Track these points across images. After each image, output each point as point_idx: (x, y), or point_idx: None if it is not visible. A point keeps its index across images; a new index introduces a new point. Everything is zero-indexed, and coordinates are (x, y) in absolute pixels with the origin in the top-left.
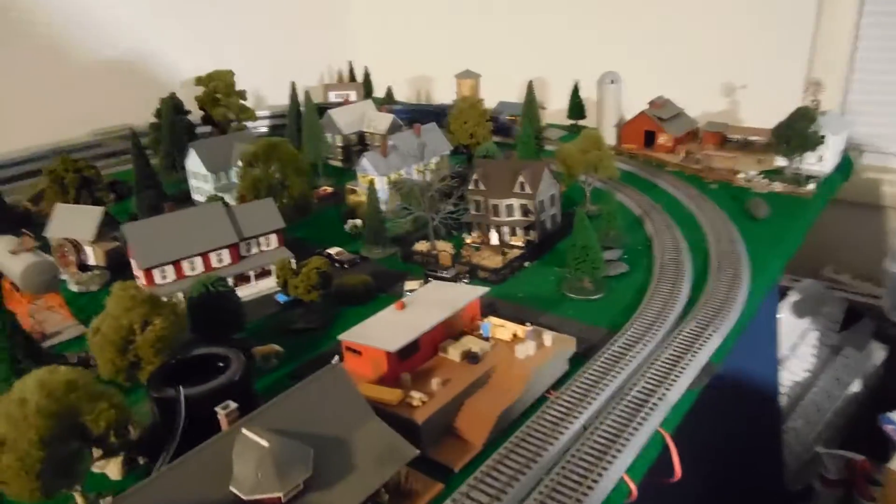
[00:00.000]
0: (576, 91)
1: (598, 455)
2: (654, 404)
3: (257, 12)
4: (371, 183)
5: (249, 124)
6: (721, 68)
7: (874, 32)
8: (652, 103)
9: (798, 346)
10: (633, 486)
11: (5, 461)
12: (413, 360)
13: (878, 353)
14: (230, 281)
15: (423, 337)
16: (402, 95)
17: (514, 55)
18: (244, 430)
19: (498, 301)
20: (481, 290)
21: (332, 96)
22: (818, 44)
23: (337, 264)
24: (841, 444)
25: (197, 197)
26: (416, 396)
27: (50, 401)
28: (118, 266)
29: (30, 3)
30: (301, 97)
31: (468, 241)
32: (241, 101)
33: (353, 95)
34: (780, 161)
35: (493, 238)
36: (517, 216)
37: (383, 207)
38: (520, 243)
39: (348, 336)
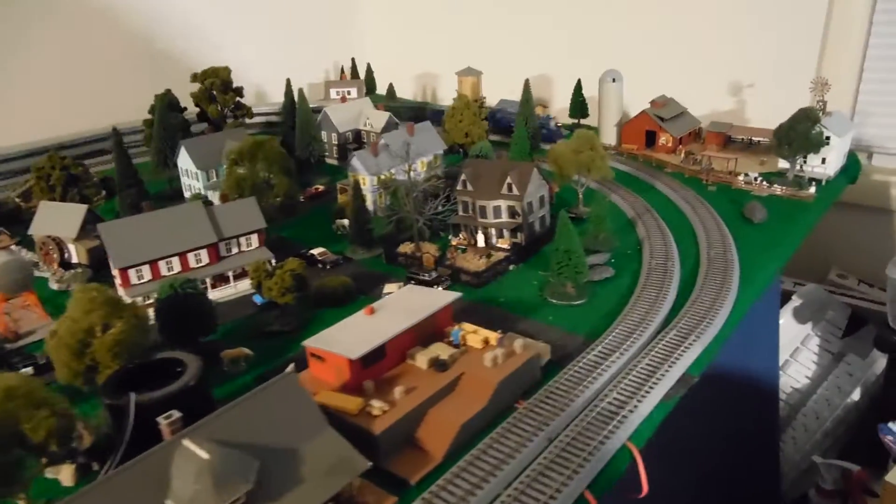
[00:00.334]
0: (578, 89)
1: (560, 470)
2: (624, 417)
3: (266, 10)
4: (356, 182)
5: (247, 121)
6: (728, 66)
7: (887, 30)
8: (653, 102)
9: (800, 352)
10: (593, 502)
11: None
12: (378, 367)
13: (881, 360)
14: (208, 281)
15: (389, 343)
16: (407, 93)
17: (518, 52)
18: (185, 442)
19: (477, 305)
20: (454, 295)
21: (333, 93)
22: (828, 41)
23: (319, 265)
24: (839, 454)
25: (189, 195)
26: (377, 406)
27: None
28: (101, 264)
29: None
30: (301, 94)
31: (454, 242)
32: (238, 98)
33: (353, 92)
34: (783, 163)
35: (480, 240)
36: (504, 218)
37: (371, 207)
38: (506, 246)
39: (313, 342)
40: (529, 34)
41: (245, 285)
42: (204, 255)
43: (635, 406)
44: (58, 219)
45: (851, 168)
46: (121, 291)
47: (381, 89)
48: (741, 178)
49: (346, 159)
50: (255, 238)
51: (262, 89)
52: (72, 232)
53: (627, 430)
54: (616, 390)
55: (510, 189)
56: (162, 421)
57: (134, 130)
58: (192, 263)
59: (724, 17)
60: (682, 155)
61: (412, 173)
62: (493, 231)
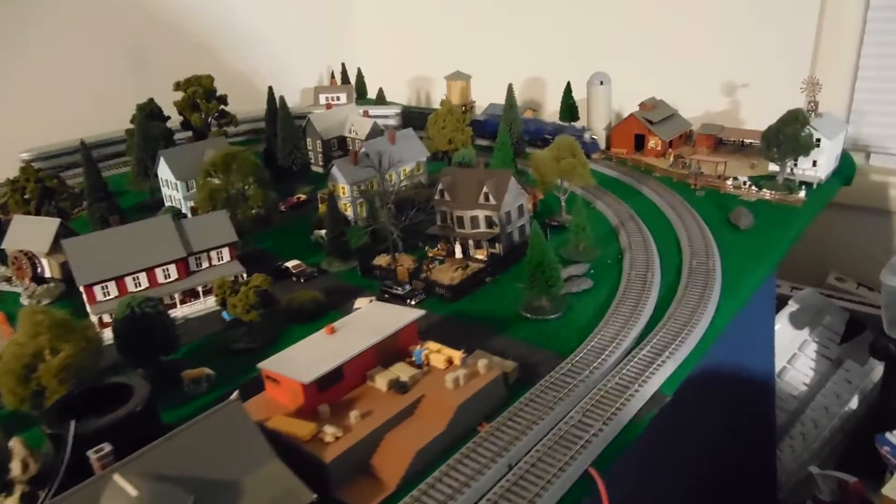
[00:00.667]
0: (568, 92)
1: (516, 500)
2: (589, 441)
3: (258, 15)
4: (331, 192)
5: (232, 130)
6: (720, 67)
7: (883, 27)
8: (642, 105)
9: (797, 358)
10: None
11: None
12: (336, 389)
13: (880, 368)
14: (177, 297)
15: (348, 364)
16: (399, 97)
17: (509, 55)
18: (116, 477)
19: (450, 320)
20: (418, 313)
21: (322, 99)
22: (822, 39)
23: (294, 278)
24: (837, 463)
25: (170, 205)
26: (330, 431)
27: None
28: (74, 279)
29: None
30: (283, 101)
31: (431, 253)
32: (222, 107)
33: (343, 97)
34: (774, 166)
35: (458, 251)
36: (482, 228)
37: (352, 218)
38: (482, 257)
39: (268, 364)
40: (521, 37)
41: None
42: (172, 271)
43: (600, 430)
44: (30, 233)
45: (845, 169)
46: (88, 308)
47: (374, 93)
48: (730, 182)
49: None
50: (226, 252)
51: (255, 96)
52: (44, 246)
53: (591, 454)
54: (582, 412)
55: (487, 198)
56: (92, 455)
57: (121, 140)
58: (161, 279)
59: (716, 17)
60: (671, 159)
61: (392, 182)
62: (471, 241)
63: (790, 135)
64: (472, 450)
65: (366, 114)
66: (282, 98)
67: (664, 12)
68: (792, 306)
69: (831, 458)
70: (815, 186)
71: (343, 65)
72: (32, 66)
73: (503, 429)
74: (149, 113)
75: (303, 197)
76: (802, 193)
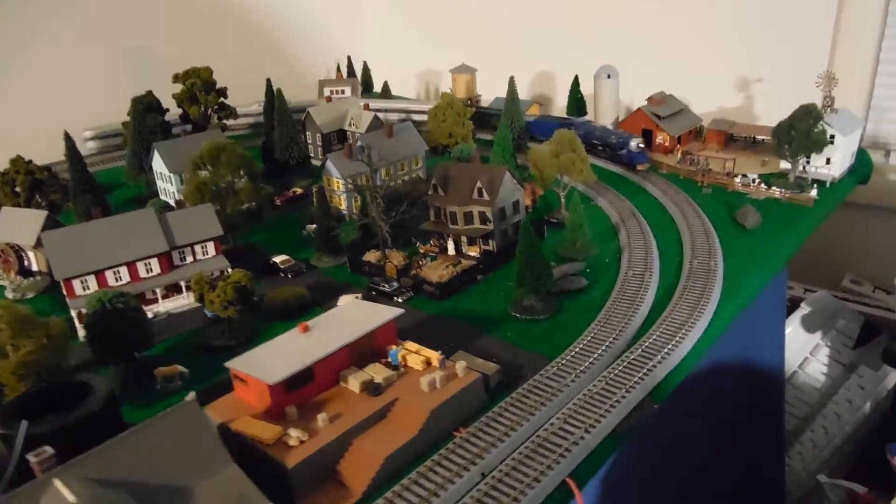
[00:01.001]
0: (575, 85)
1: None
2: (568, 450)
3: (268, 9)
4: (320, 186)
5: (231, 123)
6: (734, 61)
7: None
8: (650, 99)
9: (808, 363)
10: None
11: None
12: (305, 390)
13: (894, 374)
14: (158, 292)
15: (319, 365)
16: (407, 91)
17: (517, 48)
18: (55, 482)
19: (437, 319)
20: (395, 311)
21: (327, 92)
22: (840, 31)
23: (282, 273)
24: (847, 473)
25: (164, 199)
26: (294, 435)
27: None
28: None
29: None
30: (280, 93)
31: (423, 250)
32: (222, 99)
33: (347, 91)
34: (786, 164)
35: (450, 248)
36: (476, 224)
37: (346, 213)
38: (475, 254)
39: (236, 363)
40: (528, 30)
41: None
42: (155, 265)
43: (581, 438)
44: (18, 225)
45: (861, 168)
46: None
47: (380, 87)
48: (738, 179)
49: None
50: (211, 246)
51: (259, 89)
52: (30, 239)
53: (570, 464)
54: (564, 419)
55: (480, 194)
56: (31, 458)
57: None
58: (143, 273)
59: (730, 8)
60: (678, 155)
61: (387, 176)
62: (464, 238)
63: (802, 131)
64: (445, 456)
65: (366, 107)
66: (279, 90)
67: (675, 3)
68: (804, 309)
69: (841, 467)
70: (828, 185)
71: (349, 58)
72: (45, 56)
73: (479, 434)
74: (147, 105)
75: (299, 191)
76: (814, 192)
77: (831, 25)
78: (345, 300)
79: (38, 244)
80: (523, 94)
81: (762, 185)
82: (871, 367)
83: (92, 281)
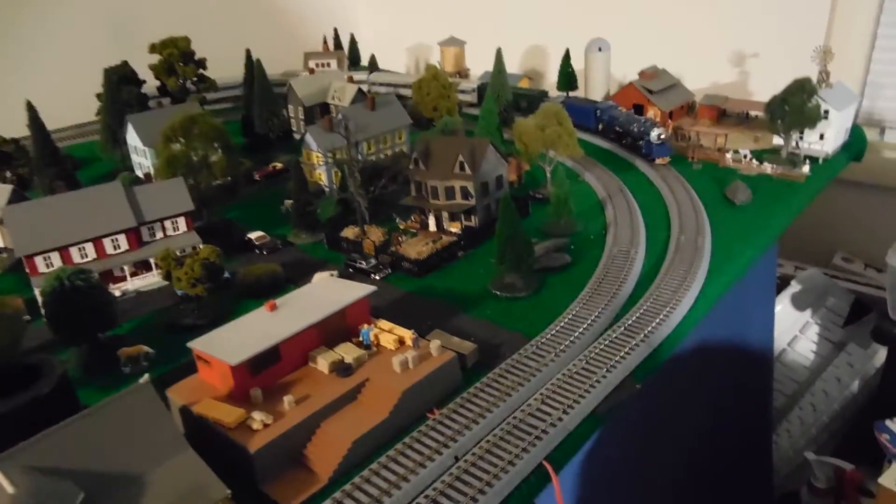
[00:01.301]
0: (566, 60)
1: (457, 497)
2: (545, 432)
3: None
4: (296, 161)
5: (213, 96)
6: (729, 36)
7: None
8: (642, 73)
9: (797, 340)
10: None
11: None
12: (272, 371)
13: (883, 352)
14: (126, 269)
15: (287, 344)
16: (396, 65)
17: (509, 20)
18: None
19: (414, 297)
20: (367, 289)
21: (313, 65)
22: (838, 5)
23: (257, 250)
24: (834, 450)
25: (139, 173)
26: (258, 418)
27: None
28: None
29: None
30: (259, 65)
31: (403, 226)
32: (201, 70)
33: (333, 64)
34: (778, 139)
35: (431, 223)
36: (458, 199)
37: (326, 188)
38: (456, 230)
39: (198, 343)
40: (519, 1)
41: None
42: (122, 241)
43: (559, 419)
44: None
45: (856, 144)
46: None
47: (367, 61)
48: (730, 155)
49: None
50: (182, 221)
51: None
52: None
53: (547, 447)
54: (541, 400)
55: (462, 168)
56: None
57: None
58: (109, 250)
59: None
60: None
61: (369, 151)
62: (445, 213)
63: (796, 105)
64: (417, 439)
65: (350, 79)
66: (258, 61)
67: None
68: (794, 287)
69: (829, 445)
70: (820, 161)
71: (335, 30)
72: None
73: (453, 416)
74: (121, 76)
75: (279, 166)
76: (806, 168)
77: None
78: (320, 277)
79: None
80: (514, 67)
81: (754, 160)
82: (861, 346)
83: (56, 258)
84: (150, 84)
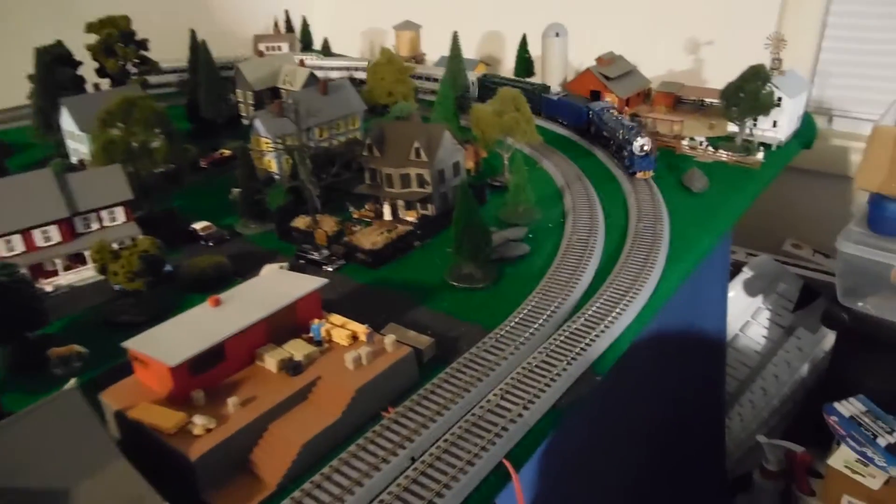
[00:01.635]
0: (523, 45)
1: (415, 499)
2: (505, 428)
3: None
4: (243, 147)
5: (158, 80)
6: (684, 23)
7: None
8: (599, 59)
9: (749, 326)
10: None
11: None
12: (215, 371)
13: (831, 336)
14: (58, 262)
15: (232, 342)
16: (349, 49)
17: (464, 5)
18: None
19: (369, 289)
20: (319, 282)
21: (263, 48)
22: None
23: (202, 242)
24: (785, 433)
25: (75, 160)
26: (200, 423)
27: None
28: None
29: None
30: (204, 46)
31: (356, 215)
32: (142, 52)
33: (285, 47)
34: (733, 127)
35: (387, 213)
36: (414, 187)
37: (277, 176)
38: (412, 219)
39: (134, 343)
40: None
41: None
42: (54, 233)
43: (519, 415)
44: None
45: (806, 131)
46: None
47: (321, 45)
48: (685, 142)
49: None
50: (120, 212)
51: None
52: None
53: (507, 444)
54: (501, 395)
55: (418, 154)
56: None
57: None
58: (40, 242)
59: None
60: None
61: (323, 137)
62: (401, 202)
63: (751, 92)
64: (371, 440)
65: (302, 63)
66: (203, 41)
67: None
68: (746, 273)
69: (779, 427)
70: (774, 148)
71: (287, 13)
72: None
73: (409, 415)
74: (55, 57)
75: (227, 153)
76: (761, 155)
77: None
78: (269, 270)
79: None
80: (470, 53)
81: (709, 147)
82: (810, 330)
83: None
84: (88, 66)
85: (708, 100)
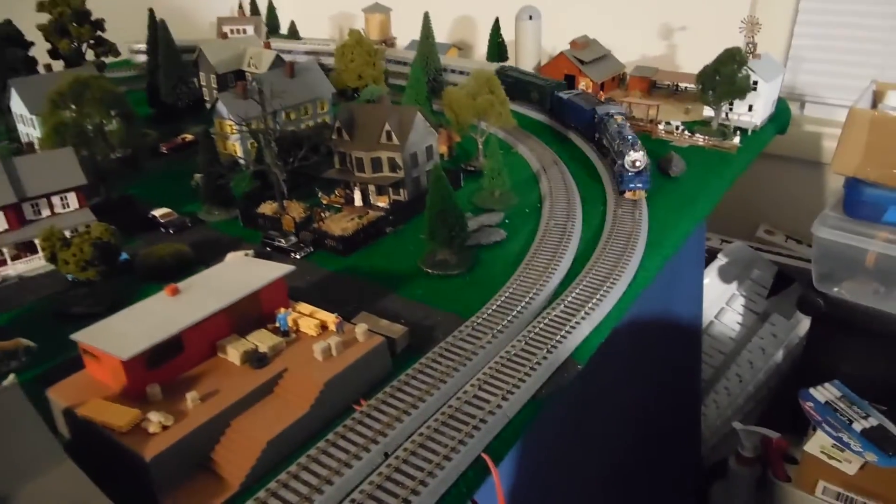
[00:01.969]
0: (496, 29)
1: (389, 497)
2: (483, 420)
3: None
4: (205, 130)
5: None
6: (658, 7)
7: None
8: (573, 43)
9: (724, 312)
10: None
11: None
12: (173, 365)
13: (805, 322)
14: (6, 251)
15: (191, 333)
16: (318, 32)
17: None
18: None
19: (339, 277)
20: (284, 269)
21: (227, 31)
22: None
23: (163, 229)
24: (760, 419)
25: (19, 143)
26: (155, 420)
27: None
28: None
29: None
30: (164, 26)
31: (325, 201)
32: (99, 32)
33: (250, 30)
34: (709, 111)
35: (357, 198)
36: (385, 172)
37: (242, 160)
38: (383, 204)
39: (84, 335)
40: None
41: None
42: (1, 220)
43: (498, 406)
44: None
45: (781, 117)
46: None
47: (287, 29)
48: (662, 126)
49: None
50: (72, 197)
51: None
52: None
53: (486, 437)
54: (478, 385)
55: (389, 138)
56: None
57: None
58: None
59: None
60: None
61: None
62: (371, 187)
63: (727, 75)
64: (341, 435)
65: (267, 46)
66: (163, 22)
67: None
68: (721, 259)
69: (754, 414)
70: (749, 132)
71: None
72: None
73: (382, 408)
74: (5, 37)
75: (188, 137)
76: (737, 139)
77: None
78: (233, 257)
79: None
80: (442, 37)
81: (686, 132)
82: (784, 316)
83: None
84: (41, 47)
85: (682, 84)
